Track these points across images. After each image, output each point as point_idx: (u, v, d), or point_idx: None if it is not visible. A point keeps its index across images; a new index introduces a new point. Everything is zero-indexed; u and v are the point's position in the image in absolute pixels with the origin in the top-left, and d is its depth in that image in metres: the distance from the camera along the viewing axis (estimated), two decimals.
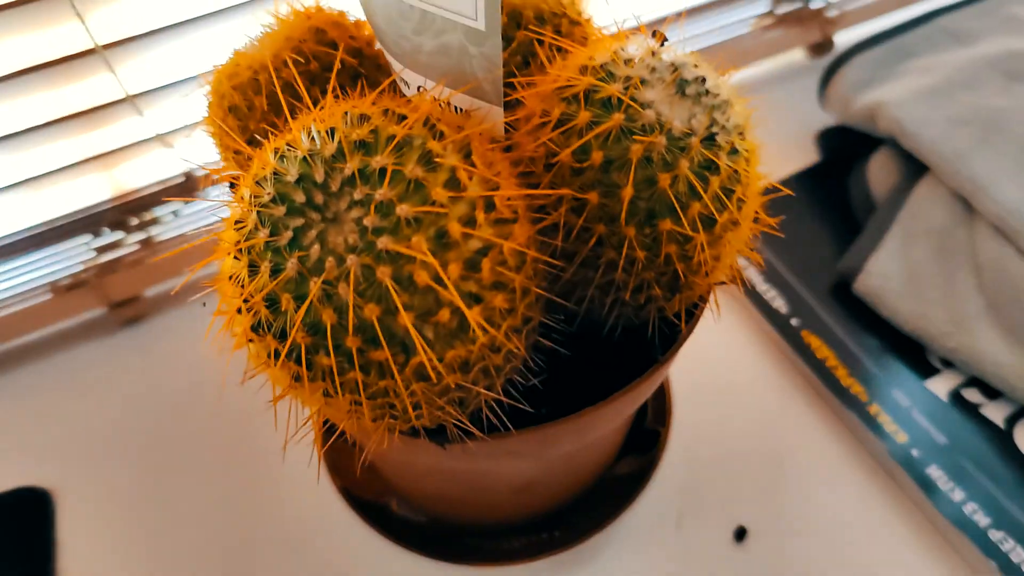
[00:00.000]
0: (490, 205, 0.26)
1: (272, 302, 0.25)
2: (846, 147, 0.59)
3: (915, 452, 0.45)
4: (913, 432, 0.46)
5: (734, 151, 0.29)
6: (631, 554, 0.44)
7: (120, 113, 0.51)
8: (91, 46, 0.47)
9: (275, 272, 0.25)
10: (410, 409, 0.27)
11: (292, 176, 0.26)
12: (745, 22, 0.67)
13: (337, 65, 0.32)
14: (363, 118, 0.26)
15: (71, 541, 0.47)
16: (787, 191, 0.33)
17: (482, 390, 0.28)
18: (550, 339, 0.31)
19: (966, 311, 0.48)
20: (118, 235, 0.54)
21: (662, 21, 0.64)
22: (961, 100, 0.52)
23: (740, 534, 0.44)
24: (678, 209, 0.28)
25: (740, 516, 0.45)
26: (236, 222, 0.27)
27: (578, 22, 0.36)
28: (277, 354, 0.26)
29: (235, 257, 0.26)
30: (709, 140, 0.29)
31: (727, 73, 0.32)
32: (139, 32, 0.48)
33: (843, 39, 0.68)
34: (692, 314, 0.34)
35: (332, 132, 0.26)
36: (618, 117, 0.28)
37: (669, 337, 0.34)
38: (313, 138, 0.26)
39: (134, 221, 0.55)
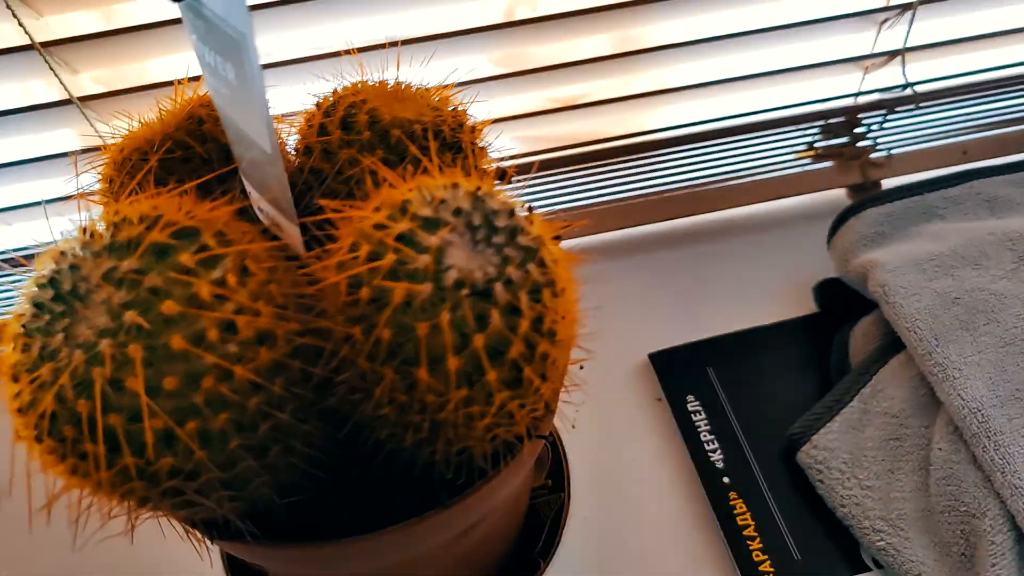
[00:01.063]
0: (229, 327, 0.27)
1: (16, 378, 0.27)
2: (841, 303, 0.54)
3: None
4: None
5: (514, 311, 0.28)
6: None
7: None
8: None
9: (24, 350, 0.27)
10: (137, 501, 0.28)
11: (66, 263, 0.28)
12: (788, 151, 0.64)
13: (157, 157, 0.34)
14: (143, 218, 0.28)
15: None
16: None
17: (203, 500, 0.28)
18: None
19: (901, 511, 0.43)
20: None
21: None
22: (960, 276, 0.47)
23: None
24: (433, 361, 0.28)
25: None
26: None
27: (455, 146, 0.36)
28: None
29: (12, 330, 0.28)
30: (483, 294, 0.28)
31: (566, 228, 0.31)
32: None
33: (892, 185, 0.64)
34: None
35: (117, 225, 0.28)
36: (390, 257, 0.28)
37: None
38: (91, 232, 0.28)
39: None
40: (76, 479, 0.28)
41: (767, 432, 0.50)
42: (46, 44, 0.46)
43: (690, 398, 0.52)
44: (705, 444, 0.50)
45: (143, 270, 0.27)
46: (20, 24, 0.45)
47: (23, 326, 0.27)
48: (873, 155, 0.64)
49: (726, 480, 0.48)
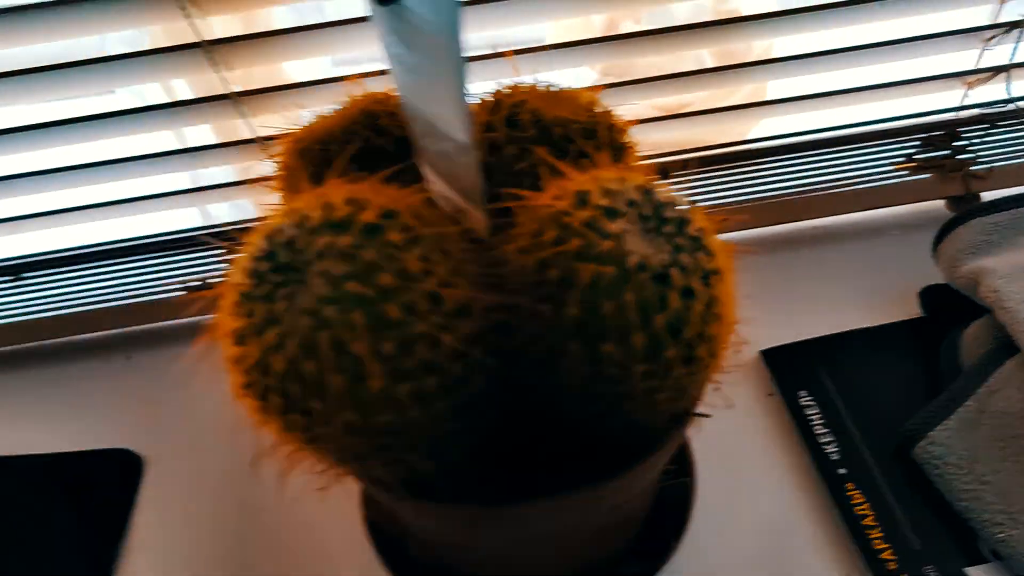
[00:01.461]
0: (435, 299, 0.30)
1: (240, 340, 0.30)
2: (948, 308, 0.56)
3: None
4: None
5: (688, 293, 0.31)
6: None
7: None
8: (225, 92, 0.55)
9: (248, 315, 0.30)
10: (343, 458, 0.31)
11: (282, 238, 0.31)
12: (887, 161, 0.66)
13: (352, 149, 0.37)
14: (351, 201, 0.31)
15: (148, 505, 0.55)
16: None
17: (407, 456, 0.31)
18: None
19: (1023, 504, 0.45)
20: None
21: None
22: None
23: None
24: (618, 336, 0.30)
25: None
26: (239, 268, 0.32)
27: (613, 144, 0.38)
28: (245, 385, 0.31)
29: (230, 299, 0.32)
30: (661, 278, 0.30)
31: (721, 222, 0.34)
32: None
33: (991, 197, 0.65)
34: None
35: (328, 207, 0.31)
36: (576, 242, 0.31)
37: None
38: (305, 210, 0.31)
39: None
40: (294, 435, 0.31)
41: (879, 427, 0.51)
42: (211, 42, 0.50)
43: (802, 393, 0.54)
44: (819, 437, 0.51)
45: (359, 246, 0.29)
46: (190, 22, 0.49)
47: (245, 294, 0.30)
48: (973, 168, 0.65)
49: (842, 471, 0.50)
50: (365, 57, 0.51)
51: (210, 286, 0.62)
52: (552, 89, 0.41)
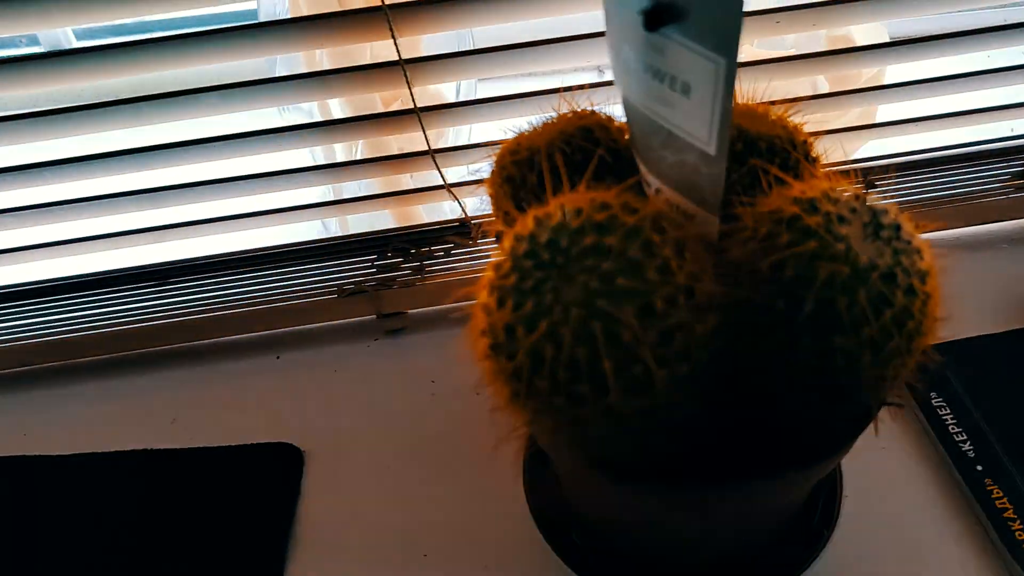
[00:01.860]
0: (690, 292, 0.33)
1: (509, 330, 0.34)
2: None
3: None
4: None
5: (911, 291, 0.34)
6: None
7: (421, 164, 0.63)
8: (411, 107, 0.59)
9: (516, 308, 0.33)
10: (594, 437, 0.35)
11: (543, 239, 0.34)
12: (996, 179, 0.69)
13: (595, 160, 0.40)
14: (605, 206, 0.34)
15: (313, 494, 0.58)
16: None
17: (651, 439, 0.34)
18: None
19: None
20: (398, 259, 0.66)
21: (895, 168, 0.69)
22: None
23: None
24: (851, 329, 0.34)
25: None
26: (496, 266, 0.35)
27: (806, 157, 0.42)
28: (504, 371, 0.34)
29: (489, 293, 0.35)
30: (888, 277, 0.34)
31: (925, 229, 0.37)
32: (449, 102, 0.60)
33: None
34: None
35: (579, 212, 0.34)
36: (812, 244, 0.34)
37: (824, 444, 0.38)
38: (564, 214, 0.34)
39: (413, 250, 0.66)
40: (547, 418, 0.35)
41: (1011, 426, 0.55)
42: (408, 61, 0.54)
43: (933, 395, 0.57)
44: (954, 436, 0.55)
45: (625, 245, 0.33)
46: (395, 42, 0.53)
47: (513, 288, 0.34)
48: None
49: (979, 468, 0.53)
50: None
51: (360, 289, 0.66)
52: (748, 104, 0.45)
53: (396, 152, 0.63)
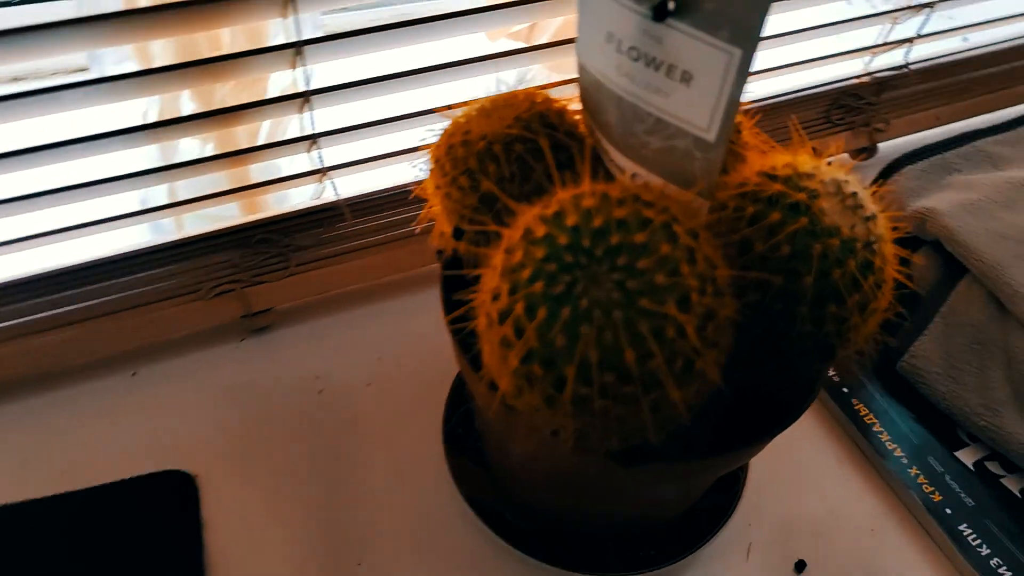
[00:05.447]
0: (713, 280, 0.34)
1: (545, 339, 0.33)
2: None
3: (948, 510, 0.54)
4: (946, 493, 0.55)
5: (882, 255, 0.37)
6: None
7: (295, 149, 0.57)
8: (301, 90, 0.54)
9: (552, 316, 0.32)
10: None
11: (563, 240, 0.33)
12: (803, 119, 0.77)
13: (547, 151, 0.40)
14: (621, 201, 0.34)
15: (218, 521, 0.52)
16: (913, 287, 0.41)
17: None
18: None
19: (996, 397, 0.57)
20: (264, 253, 0.61)
21: None
22: (1000, 217, 0.62)
23: (800, 567, 0.52)
24: (844, 296, 0.36)
25: (799, 552, 0.53)
26: (509, 270, 0.34)
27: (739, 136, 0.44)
28: (541, 380, 0.33)
29: (510, 298, 0.33)
30: (868, 245, 0.37)
31: (872, 190, 0.40)
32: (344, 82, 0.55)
33: (885, 147, 0.79)
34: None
35: (597, 209, 0.34)
36: (803, 220, 0.36)
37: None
38: (580, 212, 0.34)
39: (282, 241, 0.61)
40: (584, 418, 0.34)
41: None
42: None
43: None
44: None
45: (655, 243, 0.33)
46: None
47: (542, 295, 0.33)
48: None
49: (845, 390, 0.60)
50: None
51: (226, 289, 0.60)
52: None
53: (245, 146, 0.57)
